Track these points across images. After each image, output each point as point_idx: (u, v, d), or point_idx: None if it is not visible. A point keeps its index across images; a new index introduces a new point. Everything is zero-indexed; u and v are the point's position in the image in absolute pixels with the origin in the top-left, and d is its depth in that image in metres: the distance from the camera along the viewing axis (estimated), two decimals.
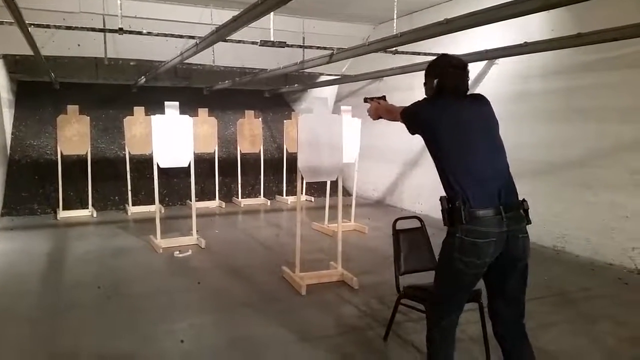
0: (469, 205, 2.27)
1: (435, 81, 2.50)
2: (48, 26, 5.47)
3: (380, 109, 2.89)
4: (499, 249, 2.30)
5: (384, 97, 2.98)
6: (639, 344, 3.45)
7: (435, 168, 2.46)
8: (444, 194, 2.44)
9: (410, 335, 3.50)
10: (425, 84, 2.60)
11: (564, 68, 5.92)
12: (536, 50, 5.72)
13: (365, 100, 3.05)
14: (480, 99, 2.54)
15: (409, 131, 2.57)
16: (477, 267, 2.31)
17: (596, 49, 5.23)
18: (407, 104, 2.63)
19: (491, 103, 2.56)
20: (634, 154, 5.22)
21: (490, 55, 6.32)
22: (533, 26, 6.01)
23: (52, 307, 4.15)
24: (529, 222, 2.39)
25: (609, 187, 5.44)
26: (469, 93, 2.54)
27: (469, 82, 2.52)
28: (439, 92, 2.50)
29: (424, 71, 2.65)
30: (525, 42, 5.72)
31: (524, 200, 2.41)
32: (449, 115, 2.41)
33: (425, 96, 2.61)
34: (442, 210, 2.36)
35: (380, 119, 2.93)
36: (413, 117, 2.55)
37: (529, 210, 2.40)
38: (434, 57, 2.64)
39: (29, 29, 5.07)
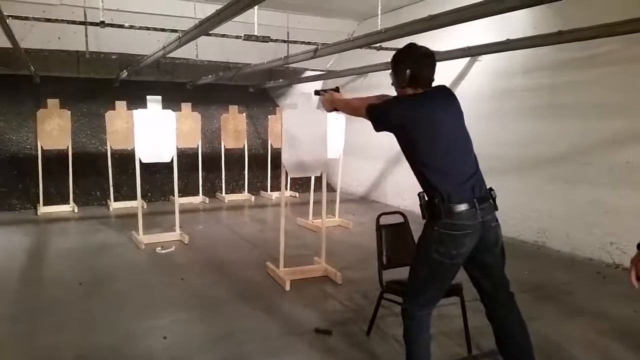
0: (448, 201, 2.33)
1: (408, 71, 2.44)
2: (27, 18, 5.36)
3: (336, 102, 2.80)
4: (475, 239, 2.38)
5: (337, 89, 2.89)
6: (618, 337, 3.52)
7: (410, 165, 2.48)
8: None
9: (393, 330, 3.51)
10: (395, 74, 2.54)
11: (546, 65, 5.99)
12: (518, 47, 5.78)
13: (317, 92, 2.97)
14: (449, 93, 2.54)
15: (375, 128, 2.51)
16: (455, 258, 2.38)
17: (576, 46, 5.31)
18: (372, 98, 2.59)
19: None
20: (613, 150, 5.31)
21: (474, 52, 6.36)
22: (515, 24, 6.06)
23: (33, 304, 4.09)
24: (496, 208, 2.49)
25: (589, 182, 5.52)
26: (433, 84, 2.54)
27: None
28: (412, 83, 2.46)
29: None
30: (507, 39, 5.77)
31: (490, 189, 2.50)
32: (423, 115, 2.40)
33: (395, 86, 2.58)
34: (420, 205, 2.43)
35: (336, 111, 2.90)
36: (383, 116, 2.49)
37: (496, 199, 2.51)
38: (401, 47, 2.58)
39: (7, 20, 4.97)
